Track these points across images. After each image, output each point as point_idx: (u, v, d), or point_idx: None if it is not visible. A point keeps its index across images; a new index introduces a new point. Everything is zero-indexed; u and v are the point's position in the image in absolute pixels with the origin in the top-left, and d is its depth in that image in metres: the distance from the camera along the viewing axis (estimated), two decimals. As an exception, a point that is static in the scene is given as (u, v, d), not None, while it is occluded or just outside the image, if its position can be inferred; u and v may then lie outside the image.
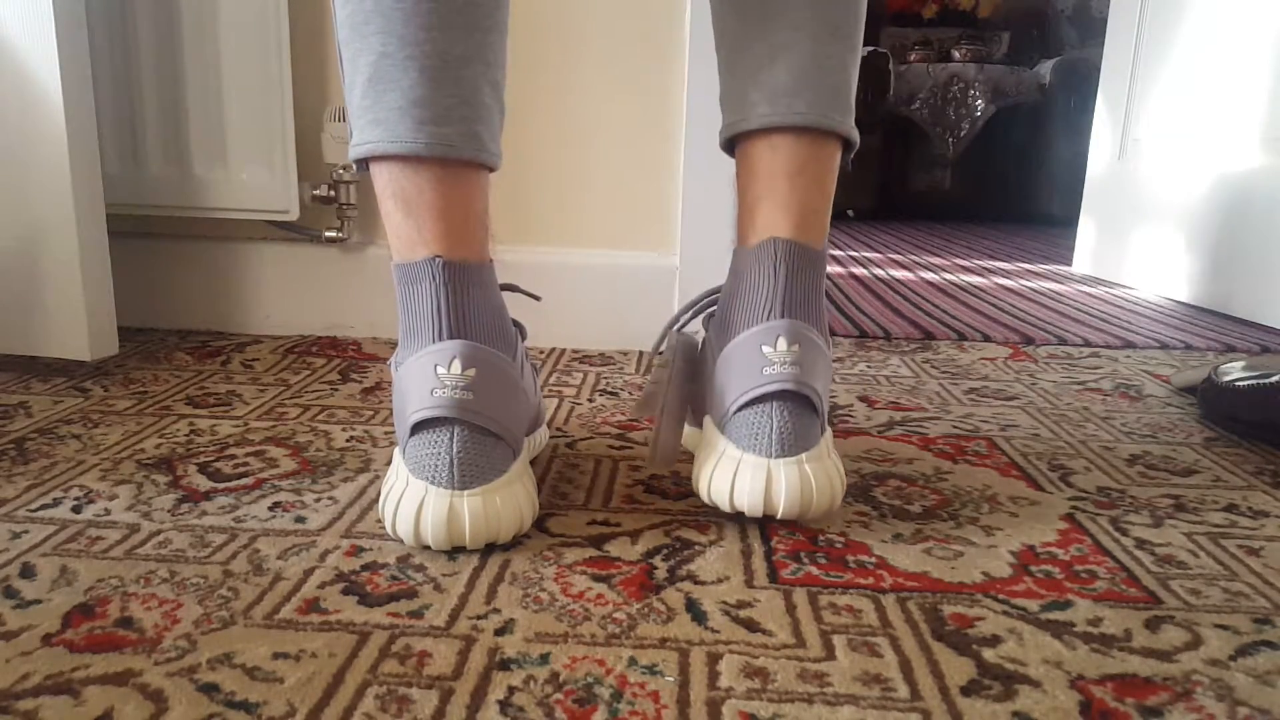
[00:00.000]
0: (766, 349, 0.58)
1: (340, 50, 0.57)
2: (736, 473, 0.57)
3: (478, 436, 0.55)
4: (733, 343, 0.60)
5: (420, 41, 0.54)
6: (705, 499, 0.60)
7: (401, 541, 0.56)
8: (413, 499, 0.54)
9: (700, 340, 0.67)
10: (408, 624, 0.47)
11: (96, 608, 0.48)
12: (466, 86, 0.56)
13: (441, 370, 0.55)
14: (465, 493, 0.54)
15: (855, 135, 0.62)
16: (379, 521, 0.60)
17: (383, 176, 0.57)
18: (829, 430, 0.61)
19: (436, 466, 0.54)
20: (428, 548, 0.56)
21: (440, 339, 0.55)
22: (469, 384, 0.55)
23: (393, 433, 0.78)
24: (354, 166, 0.59)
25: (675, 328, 0.69)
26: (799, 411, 0.57)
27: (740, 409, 0.58)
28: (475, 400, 0.55)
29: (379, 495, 0.61)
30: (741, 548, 0.57)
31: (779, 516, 0.58)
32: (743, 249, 0.63)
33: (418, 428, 0.55)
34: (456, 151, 0.56)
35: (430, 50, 0.54)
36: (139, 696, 0.41)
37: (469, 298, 0.57)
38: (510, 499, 0.56)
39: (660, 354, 0.69)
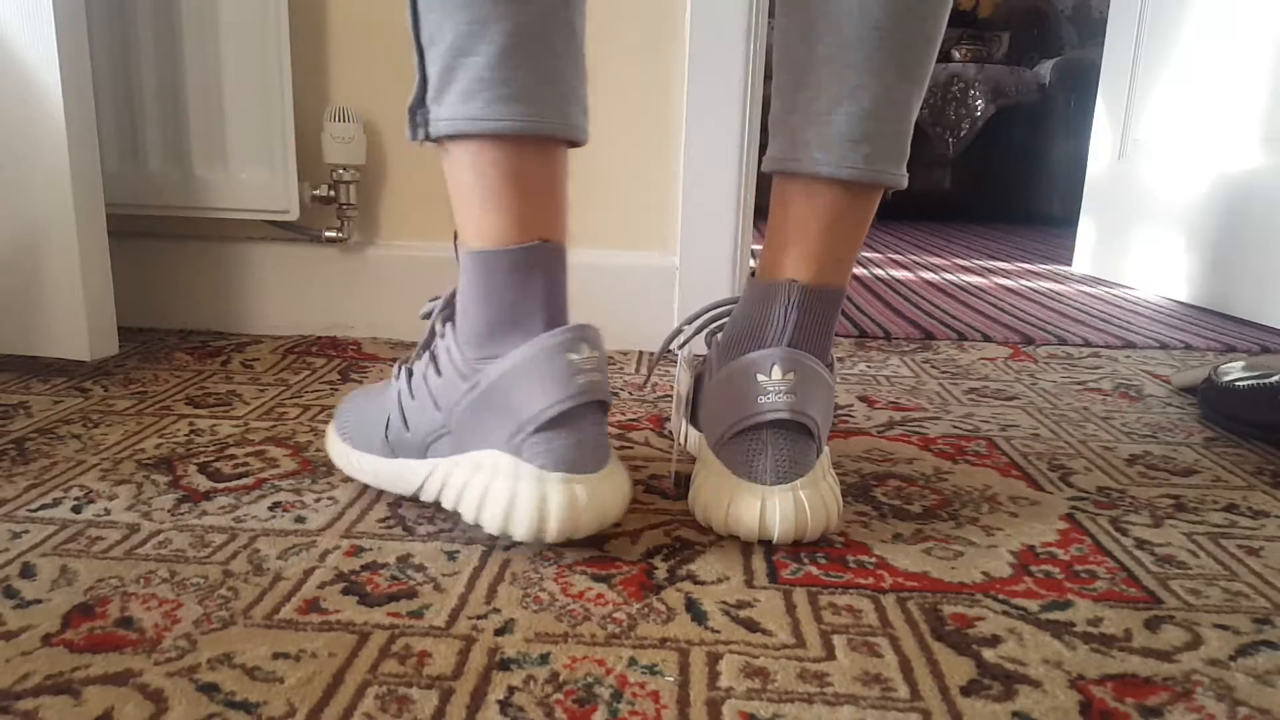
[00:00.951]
0: (761, 377, 0.57)
1: (421, 17, 0.52)
2: (731, 500, 0.57)
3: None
4: (728, 367, 0.60)
5: (528, 15, 0.51)
6: (701, 521, 0.60)
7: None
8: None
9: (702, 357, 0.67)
10: (408, 624, 0.47)
11: (96, 608, 0.48)
12: (564, 61, 0.54)
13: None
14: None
15: (904, 181, 0.60)
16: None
17: (485, 155, 0.53)
18: (826, 450, 0.60)
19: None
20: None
21: (551, 326, 0.55)
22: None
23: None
24: (426, 142, 0.54)
25: (679, 344, 0.69)
26: (793, 438, 0.57)
27: (734, 436, 0.58)
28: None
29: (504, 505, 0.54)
30: (741, 548, 0.57)
31: (774, 542, 0.58)
32: (763, 282, 0.61)
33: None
34: (565, 129, 0.54)
35: (532, 24, 0.51)
36: (139, 696, 0.41)
37: (564, 283, 0.57)
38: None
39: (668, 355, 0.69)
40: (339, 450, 0.65)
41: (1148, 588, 0.54)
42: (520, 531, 0.53)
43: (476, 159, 0.53)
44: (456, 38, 0.51)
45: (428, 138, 0.54)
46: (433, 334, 0.60)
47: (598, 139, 1.08)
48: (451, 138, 0.53)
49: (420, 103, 0.53)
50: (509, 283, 0.54)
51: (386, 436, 0.61)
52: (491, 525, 0.54)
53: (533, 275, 0.54)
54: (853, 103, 0.56)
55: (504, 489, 0.54)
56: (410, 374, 0.61)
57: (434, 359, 0.58)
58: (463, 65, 0.51)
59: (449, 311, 0.59)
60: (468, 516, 0.56)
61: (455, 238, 0.58)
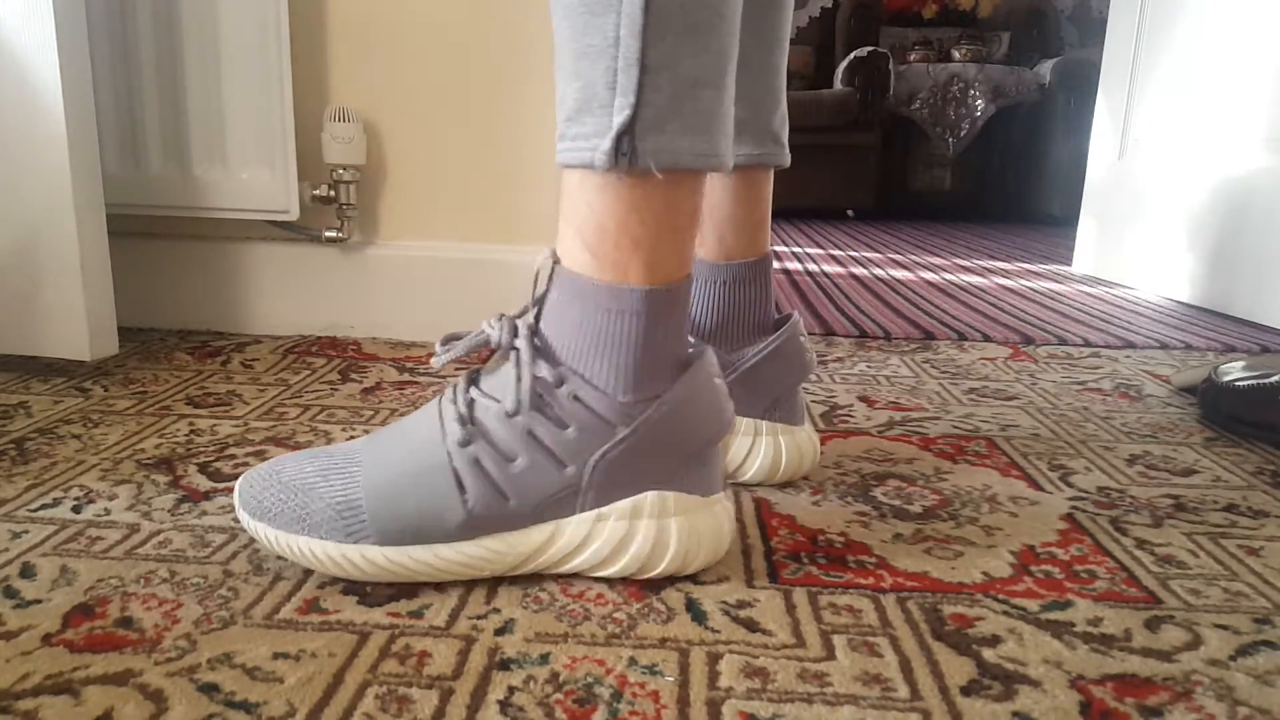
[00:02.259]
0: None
1: (651, 41, 0.46)
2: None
3: None
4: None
5: (733, 50, 0.50)
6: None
7: None
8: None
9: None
10: (408, 624, 0.47)
11: (96, 608, 0.48)
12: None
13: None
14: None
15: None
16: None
17: (697, 188, 0.51)
18: None
19: None
20: None
21: (686, 350, 0.53)
22: None
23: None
24: (618, 171, 0.47)
25: None
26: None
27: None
28: None
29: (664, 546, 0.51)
30: (742, 547, 0.57)
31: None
32: (757, 261, 0.67)
33: None
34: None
35: (735, 56, 0.50)
36: (139, 696, 0.41)
37: None
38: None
39: None
40: (323, 552, 0.49)
41: (1148, 588, 0.54)
42: (698, 563, 0.52)
43: (690, 193, 0.50)
44: (694, 68, 0.47)
45: (633, 166, 0.47)
46: (531, 390, 0.49)
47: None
48: (669, 170, 0.47)
49: (629, 129, 0.46)
50: (679, 317, 0.51)
51: (468, 515, 0.49)
52: (671, 565, 0.51)
53: (686, 303, 0.53)
54: (781, 87, 0.68)
55: (682, 525, 0.51)
56: (469, 441, 0.49)
57: (544, 412, 0.49)
58: (695, 97, 0.47)
59: (548, 360, 0.50)
60: (627, 567, 0.51)
61: (552, 274, 0.51)
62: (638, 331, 0.49)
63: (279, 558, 0.54)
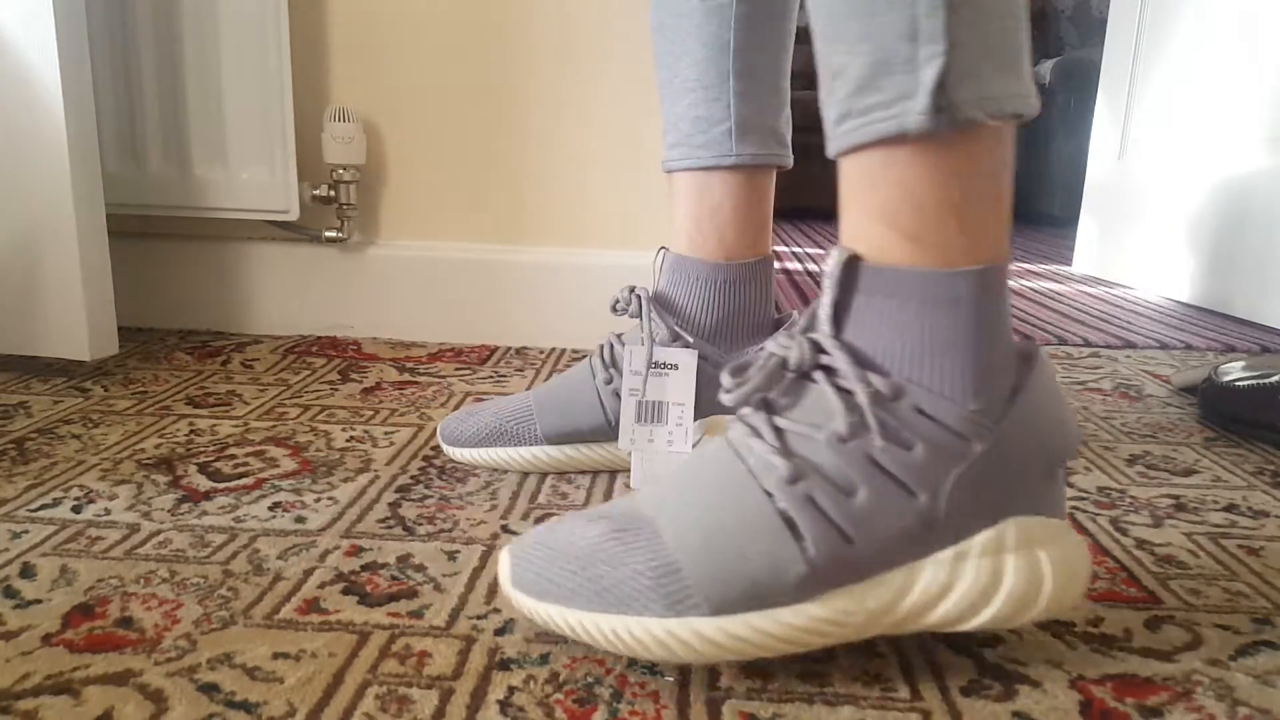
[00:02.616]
0: None
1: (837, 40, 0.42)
2: None
3: None
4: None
5: None
6: None
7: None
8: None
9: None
10: (408, 624, 0.47)
11: (96, 608, 0.48)
12: None
13: None
14: None
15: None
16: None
17: (1009, 140, 0.44)
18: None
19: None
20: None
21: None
22: None
23: (396, 432, 0.78)
24: (936, 134, 0.41)
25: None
26: None
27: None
28: None
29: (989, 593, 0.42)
30: (741, 548, 0.57)
31: None
32: (759, 262, 0.68)
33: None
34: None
35: None
36: (139, 696, 0.41)
37: None
38: None
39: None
40: (643, 633, 0.41)
41: (1148, 587, 0.54)
42: (1069, 603, 0.44)
43: (1005, 147, 0.43)
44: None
45: (955, 121, 0.40)
46: (869, 408, 0.42)
47: (598, 140, 1.08)
48: (993, 118, 0.41)
49: (943, 80, 0.40)
50: (1008, 302, 0.45)
51: (810, 567, 0.41)
52: (1045, 608, 0.43)
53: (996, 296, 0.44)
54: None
55: (1054, 557, 0.43)
56: (799, 476, 0.42)
57: (884, 433, 0.42)
58: (1003, 30, 0.41)
59: (876, 372, 0.43)
60: (997, 616, 0.42)
61: (844, 275, 0.44)
62: (976, 323, 0.42)
63: (279, 557, 0.54)
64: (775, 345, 0.44)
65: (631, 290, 0.67)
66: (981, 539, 0.42)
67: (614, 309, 0.68)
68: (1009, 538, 0.42)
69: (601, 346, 0.69)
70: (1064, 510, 0.45)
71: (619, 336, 0.68)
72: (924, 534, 0.42)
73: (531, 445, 0.69)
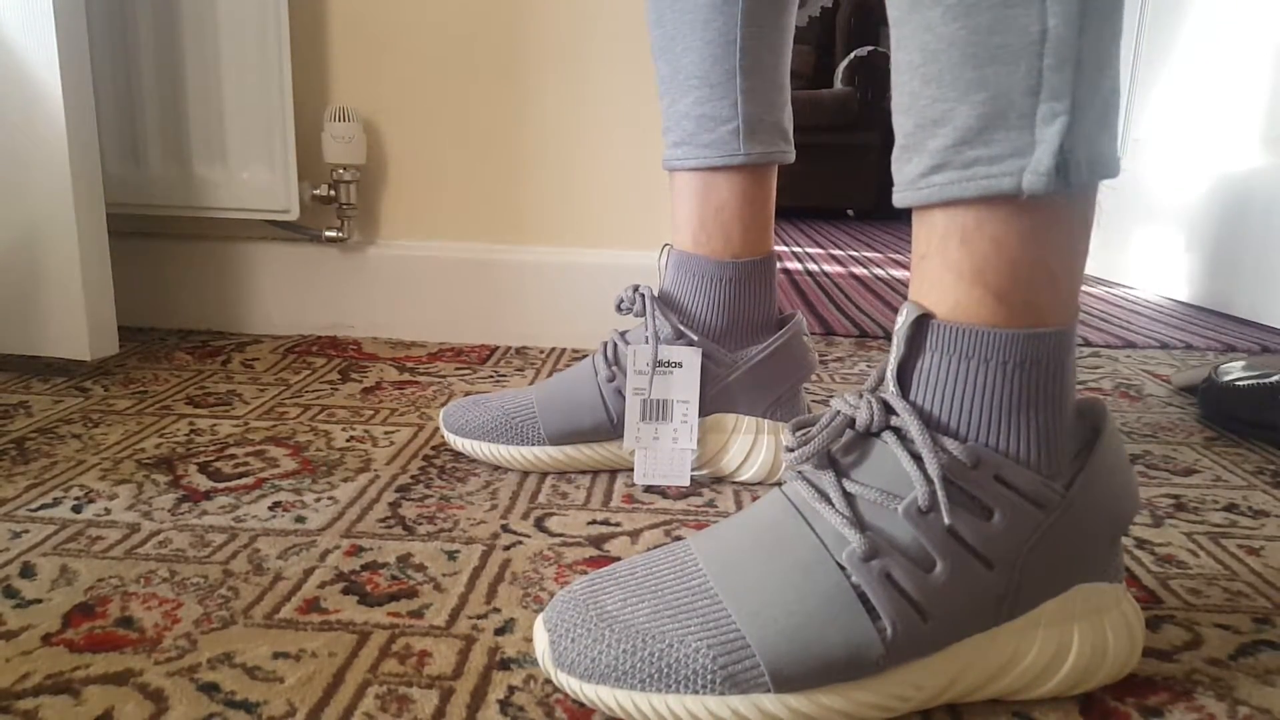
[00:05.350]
0: None
1: (1085, 23, 0.38)
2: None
3: None
4: None
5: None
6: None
7: None
8: None
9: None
10: (408, 624, 0.47)
11: (97, 607, 0.48)
12: None
13: None
14: None
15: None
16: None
17: (1095, 201, 0.43)
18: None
19: None
20: None
21: None
22: None
23: (396, 432, 0.78)
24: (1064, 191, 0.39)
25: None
26: None
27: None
28: None
29: None
30: (742, 547, 0.57)
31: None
32: (762, 260, 0.68)
33: None
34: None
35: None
36: (139, 696, 0.41)
37: None
38: None
39: None
40: (703, 711, 0.39)
41: (1148, 587, 0.54)
42: (1127, 669, 0.44)
43: (1093, 207, 0.42)
44: (1108, 54, 0.40)
45: (1070, 185, 0.39)
46: (944, 478, 0.40)
47: (598, 139, 1.08)
48: (1102, 179, 0.41)
49: (1066, 139, 0.38)
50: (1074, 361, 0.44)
51: (888, 649, 0.39)
52: (1108, 675, 0.43)
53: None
54: None
55: (1116, 623, 0.43)
56: (876, 553, 0.39)
57: (963, 503, 0.40)
58: (1111, 90, 0.41)
59: (936, 428, 0.41)
60: (1060, 684, 0.42)
61: (915, 332, 0.42)
62: (1053, 384, 0.41)
63: (279, 557, 0.54)
64: (842, 404, 0.42)
65: (635, 289, 0.67)
66: (1051, 608, 0.41)
67: (619, 308, 0.68)
68: (1076, 606, 0.42)
69: (604, 345, 0.69)
70: (1123, 574, 0.44)
71: (623, 335, 0.68)
72: (996, 606, 0.40)
73: (534, 445, 0.68)
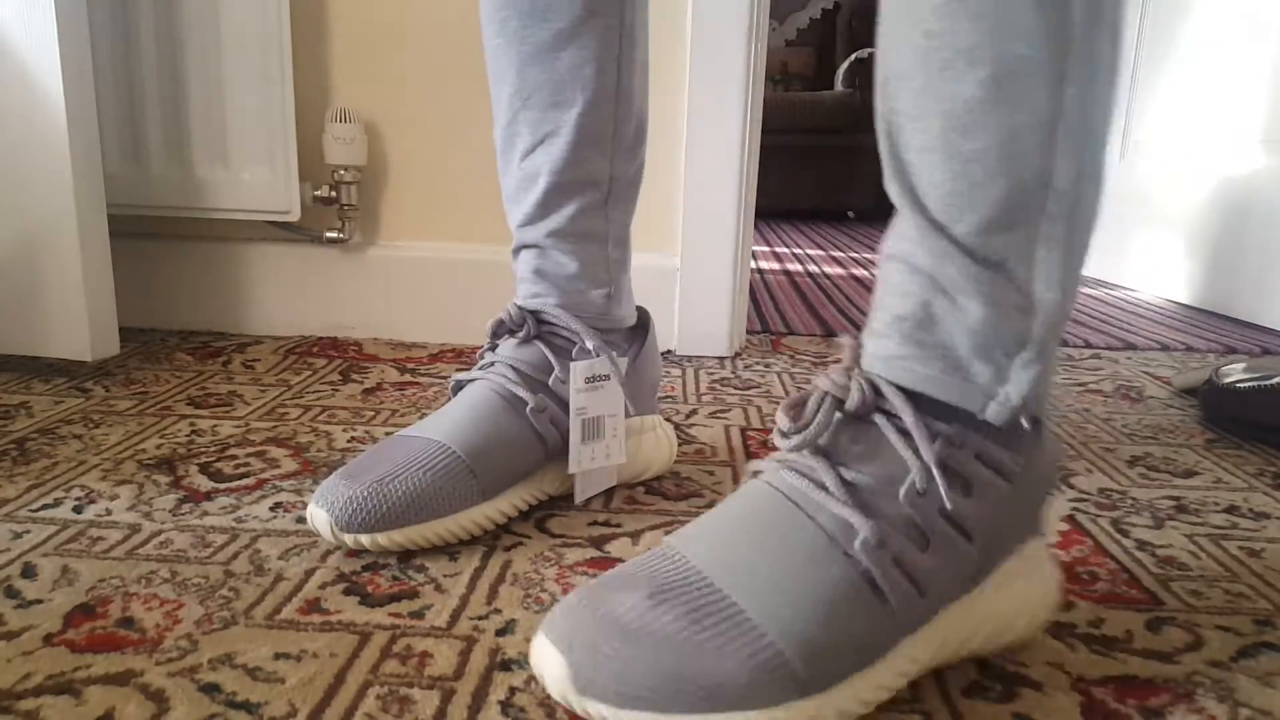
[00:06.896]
0: None
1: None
2: None
3: None
4: None
5: None
6: None
7: None
8: None
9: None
10: (409, 624, 0.47)
11: (98, 608, 0.48)
12: None
13: None
14: None
15: None
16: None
17: None
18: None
19: None
20: None
21: None
22: None
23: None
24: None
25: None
26: None
27: None
28: None
29: None
30: (742, 549, 0.57)
31: None
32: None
33: None
34: None
35: None
36: (140, 696, 0.41)
37: None
38: None
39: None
40: None
41: (1149, 589, 0.54)
42: (1057, 608, 0.48)
43: None
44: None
45: (1018, 420, 0.42)
46: (917, 454, 0.41)
47: (599, 140, 1.08)
48: (1040, 417, 0.45)
49: (1035, 388, 0.42)
50: None
51: (894, 626, 0.40)
52: (1053, 613, 0.47)
53: None
54: None
55: (1052, 572, 0.47)
56: (886, 539, 0.40)
57: (954, 478, 0.41)
58: (1060, 337, 0.45)
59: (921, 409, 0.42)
60: (1025, 631, 0.45)
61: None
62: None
63: (281, 558, 0.54)
64: (829, 384, 0.42)
65: (520, 308, 0.62)
66: (1007, 567, 0.44)
67: (499, 332, 0.62)
68: (1025, 559, 0.45)
69: (510, 373, 0.61)
70: (1045, 524, 0.47)
71: (514, 368, 0.61)
72: (974, 574, 0.43)
73: (473, 505, 0.57)
